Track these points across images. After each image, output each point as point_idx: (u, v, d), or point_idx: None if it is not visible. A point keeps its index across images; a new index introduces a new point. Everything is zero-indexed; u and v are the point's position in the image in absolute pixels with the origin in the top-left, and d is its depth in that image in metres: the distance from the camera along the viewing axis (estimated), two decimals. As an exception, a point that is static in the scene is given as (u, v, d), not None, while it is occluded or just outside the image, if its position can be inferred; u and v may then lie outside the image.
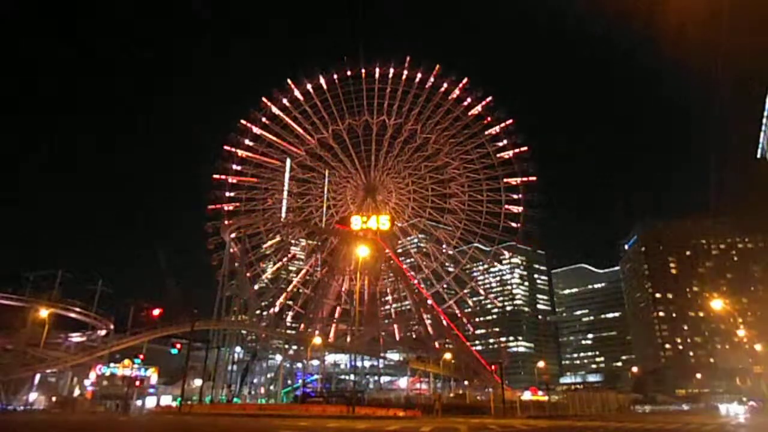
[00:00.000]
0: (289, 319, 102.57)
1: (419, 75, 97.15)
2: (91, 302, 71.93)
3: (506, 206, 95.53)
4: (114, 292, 77.29)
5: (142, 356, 71.29)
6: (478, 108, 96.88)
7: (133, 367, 68.04)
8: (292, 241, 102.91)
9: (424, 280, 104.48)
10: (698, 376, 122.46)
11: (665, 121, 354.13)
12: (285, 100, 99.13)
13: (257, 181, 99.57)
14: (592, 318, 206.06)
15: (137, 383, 66.40)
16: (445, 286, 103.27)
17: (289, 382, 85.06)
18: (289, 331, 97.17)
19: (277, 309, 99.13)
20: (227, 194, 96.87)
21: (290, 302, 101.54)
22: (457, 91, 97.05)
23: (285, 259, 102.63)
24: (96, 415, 46.98)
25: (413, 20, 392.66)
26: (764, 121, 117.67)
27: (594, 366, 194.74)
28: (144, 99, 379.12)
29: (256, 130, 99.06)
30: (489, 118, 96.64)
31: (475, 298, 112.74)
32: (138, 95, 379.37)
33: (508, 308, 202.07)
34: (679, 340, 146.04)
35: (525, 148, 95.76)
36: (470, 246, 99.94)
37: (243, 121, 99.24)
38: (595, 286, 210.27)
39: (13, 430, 23.29)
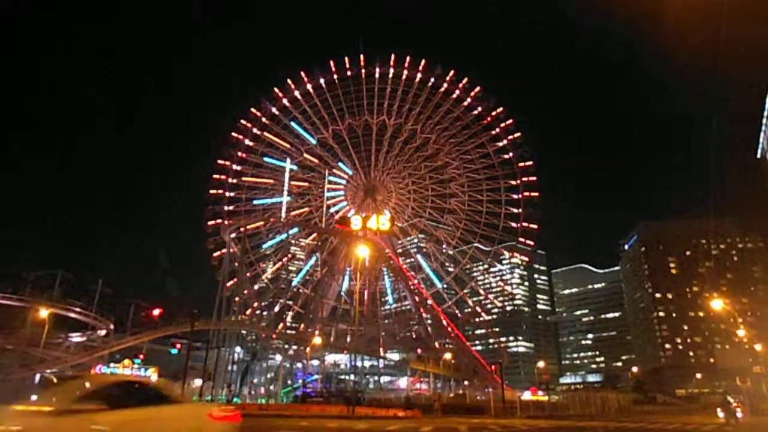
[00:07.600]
0: (289, 319, 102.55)
1: (419, 75, 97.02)
2: (91, 302, 71.89)
3: (506, 206, 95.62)
4: (114, 292, 77.31)
5: (142, 356, 71.39)
6: (479, 108, 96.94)
7: (133, 367, 68.04)
8: (292, 241, 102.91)
9: (424, 280, 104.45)
10: (698, 376, 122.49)
11: (665, 121, 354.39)
12: (285, 100, 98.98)
13: (257, 182, 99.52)
14: (592, 318, 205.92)
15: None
16: (445, 286, 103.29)
17: (289, 382, 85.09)
18: (289, 331, 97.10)
19: (277, 309, 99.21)
20: (227, 194, 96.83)
21: (290, 302, 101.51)
22: (457, 92, 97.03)
23: (285, 259, 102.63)
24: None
25: (413, 20, 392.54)
26: (764, 121, 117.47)
27: (594, 366, 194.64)
28: (143, 98, 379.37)
29: (255, 130, 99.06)
30: (489, 118, 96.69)
31: (475, 298, 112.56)
32: (137, 95, 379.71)
33: (508, 308, 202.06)
34: (679, 340, 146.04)
35: (525, 148, 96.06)
36: (470, 246, 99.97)
37: (243, 121, 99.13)
38: (595, 286, 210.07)
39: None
